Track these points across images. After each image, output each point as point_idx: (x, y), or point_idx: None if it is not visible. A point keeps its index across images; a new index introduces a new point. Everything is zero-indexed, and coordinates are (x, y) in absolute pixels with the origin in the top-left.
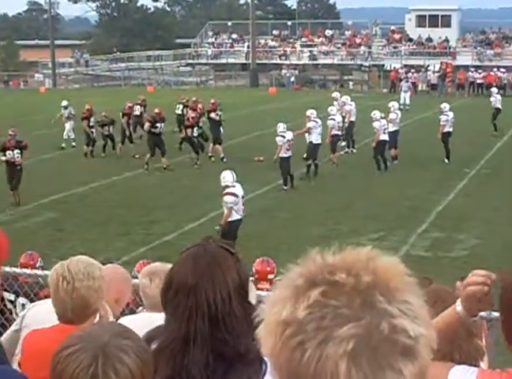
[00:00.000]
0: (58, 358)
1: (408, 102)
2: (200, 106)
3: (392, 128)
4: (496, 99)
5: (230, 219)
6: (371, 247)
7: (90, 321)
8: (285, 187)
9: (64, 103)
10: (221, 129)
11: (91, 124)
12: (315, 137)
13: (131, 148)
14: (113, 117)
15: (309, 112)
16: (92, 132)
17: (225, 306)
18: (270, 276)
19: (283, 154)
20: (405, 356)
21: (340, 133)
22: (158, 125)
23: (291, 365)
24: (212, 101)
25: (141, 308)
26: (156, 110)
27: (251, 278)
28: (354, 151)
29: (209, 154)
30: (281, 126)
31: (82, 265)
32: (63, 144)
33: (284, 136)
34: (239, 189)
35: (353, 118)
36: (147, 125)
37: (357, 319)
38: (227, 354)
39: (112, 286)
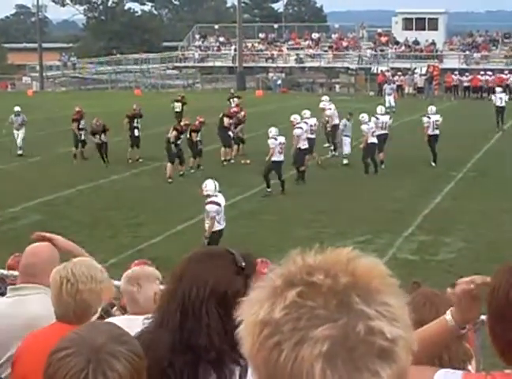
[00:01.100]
0: (50, 361)
1: (393, 104)
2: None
3: (381, 131)
4: (496, 98)
5: (213, 230)
6: (353, 248)
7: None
8: (269, 189)
9: (17, 108)
10: (230, 133)
11: (80, 126)
12: (303, 143)
13: (131, 151)
14: (104, 123)
15: (292, 117)
16: (81, 134)
17: (201, 309)
18: None
19: (275, 157)
20: (382, 358)
21: (314, 136)
22: (182, 136)
23: (269, 366)
24: (198, 121)
25: (115, 308)
26: (186, 122)
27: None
28: (336, 154)
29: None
30: (273, 131)
31: (85, 268)
32: (20, 152)
33: (275, 139)
34: (221, 199)
35: (336, 121)
36: (174, 134)
37: (333, 320)
38: (196, 348)
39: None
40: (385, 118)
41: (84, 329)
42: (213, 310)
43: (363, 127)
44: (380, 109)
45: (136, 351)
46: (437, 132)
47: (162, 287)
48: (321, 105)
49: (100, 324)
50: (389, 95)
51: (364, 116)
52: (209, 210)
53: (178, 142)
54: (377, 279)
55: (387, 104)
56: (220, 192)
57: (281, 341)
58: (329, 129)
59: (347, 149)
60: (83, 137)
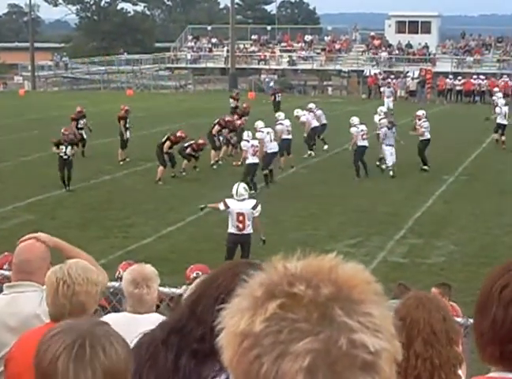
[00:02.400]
0: (41, 342)
1: (391, 106)
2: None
3: (425, 136)
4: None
5: (228, 231)
6: (336, 254)
7: None
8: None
9: None
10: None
11: (79, 126)
12: (270, 146)
13: (122, 152)
14: (75, 135)
15: (256, 124)
16: (81, 133)
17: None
18: None
19: (249, 160)
20: (365, 371)
21: (290, 136)
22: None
23: (249, 378)
24: (179, 134)
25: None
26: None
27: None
28: (313, 154)
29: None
30: (245, 135)
31: (81, 270)
32: None
33: (248, 141)
34: (235, 203)
35: (316, 124)
36: (167, 144)
37: (315, 333)
38: (202, 351)
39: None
40: (363, 127)
41: (68, 321)
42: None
43: (352, 130)
44: (381, 110)
45: (121, 337)
46: (428, 136)
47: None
48: (295, 113)
49: (83, 318)
50: (388, 97)
51: (354, 119)
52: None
53: (170, 151)
54: (359, 288)
55: (386, 106)
56: (248, 198)
57: (262, 354)
58: (305, 134)
59: (390, 159)
60: (84, 136)
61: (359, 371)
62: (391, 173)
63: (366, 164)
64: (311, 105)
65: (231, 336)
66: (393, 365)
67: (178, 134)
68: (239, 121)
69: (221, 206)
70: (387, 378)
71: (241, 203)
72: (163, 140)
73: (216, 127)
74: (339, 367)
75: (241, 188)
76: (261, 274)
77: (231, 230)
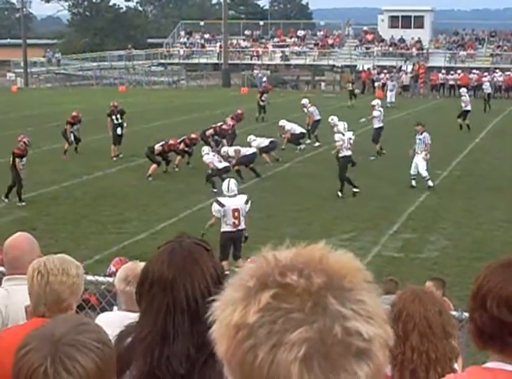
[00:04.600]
0: (15, 359)
1: (393, 100)
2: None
3: (376, 125)
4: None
5: (221, 230)
6: (324, 243)
7: None
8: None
9: None
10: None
11: (72, 130)
12: (244, 150)
13: (114, 148)
14: (27, 145)
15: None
16: (71, 135)
17: (205, 302)
18: None
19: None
20: (360, 358)
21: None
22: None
23: (244, 369)
24: (172, 142)
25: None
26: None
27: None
28: (302, 148)
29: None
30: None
31: (58, 262)
32: None
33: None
34: (229, 200)
35: (319, 118)
36: (159, 149)
37: (309, 323)
38: (207, 344)
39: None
40: (350, 134)
41: (46, 324)
42: None
43: (337, 137)
44: (377, 103)
45: (99, 339)
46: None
47: None
48: (280, 123)
49: (64, 316)
50: (391, 91)
51: (334, 118)
52: (212, 208)
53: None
54: (350, 276)
55: (388, 99)
56: (239, 194)
57: (256, 344)
58: (309, 127)
59: (424, 172)
60: (78, 137)
61: (353, 358)
62: (430, 183)
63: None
64: (304, 101)
65: (225, 328)
66: (386, 351)
67: (171, 142)
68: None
69: (217, 213)
70: (380, 364)
71: (234, 199)
72: (157, 145)
73: (211, 131)
74: (334, 355)
75: (232, 183)
76: (251, 265)
77: (226, 228)
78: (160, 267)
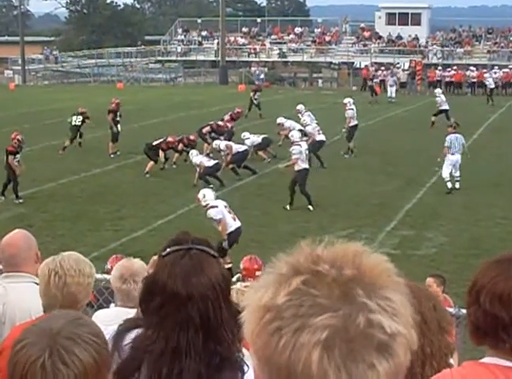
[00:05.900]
0: (11, 353)
1: (394, 95)
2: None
3: (352, 123)
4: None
5: (227, 232)
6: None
7: None
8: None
9: None
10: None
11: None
12: (236, 147)
13: (112, 146)
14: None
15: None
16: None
17: (217, 318)
18: (258, 273)
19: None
20: (380, 352)
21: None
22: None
23: (268, 350)
24: (192, 137)
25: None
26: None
27: (239, 274)
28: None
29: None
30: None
31: (74, 262)
32: None
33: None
34: (216, 201)
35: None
36: (161, 154)
37: (334, 310)
38: (217, 362)
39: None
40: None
41: (42, 319)
42: (226, 315)
43: (294, 149)
44: (348, 101)
45: (95, 333)
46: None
47: None
48: (278, 120)
49: (60, 311)
50: (392, 86)
51: (300, 107)
52: (211, 215)
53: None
54: (382, 275)
55: (389, 94)
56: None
57: (282, 327)
58: (282, 139)
59: (445, 173)
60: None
61: (374, 352)
62: (449, 185)
63: (320, 157)
64: (299, 107)
65: (254, 310)
66: (408, 353)
67: (169, 139)
68: (229, 125)
69: (217, 215)
70: (401, 363)
71: (217, 200)
72: (156, 143)
73: (208, 128)
74: (355, 344)
75: (212, 191)
76: (287, 255)
77: (232, 228)
78: (173, 284)
